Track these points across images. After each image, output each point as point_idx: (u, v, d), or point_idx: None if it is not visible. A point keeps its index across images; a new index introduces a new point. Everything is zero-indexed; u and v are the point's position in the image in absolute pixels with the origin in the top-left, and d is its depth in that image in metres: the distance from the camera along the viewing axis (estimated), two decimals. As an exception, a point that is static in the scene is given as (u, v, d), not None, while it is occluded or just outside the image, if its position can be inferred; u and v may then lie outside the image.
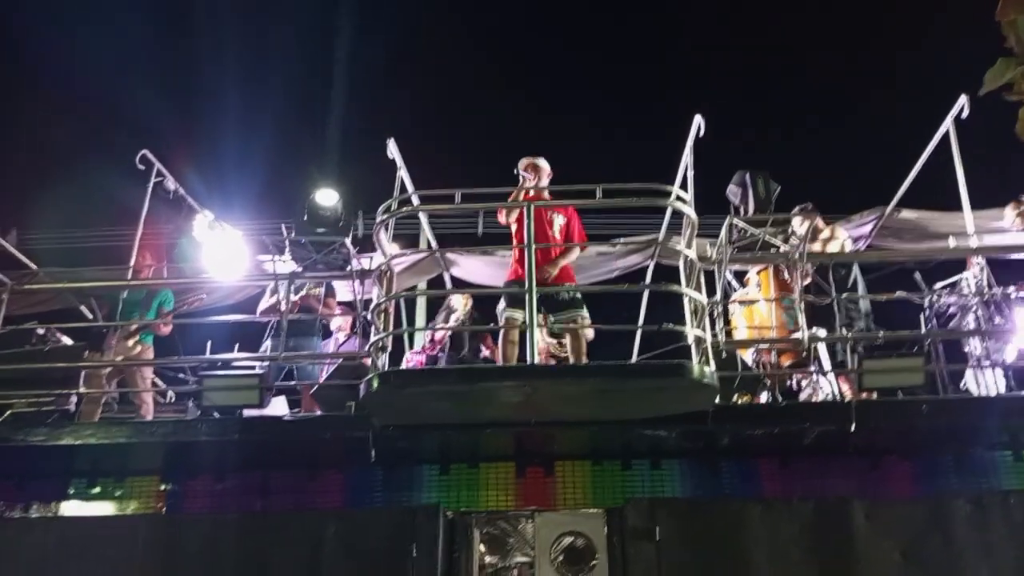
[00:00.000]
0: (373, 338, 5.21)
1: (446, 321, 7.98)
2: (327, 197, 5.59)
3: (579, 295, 5.94)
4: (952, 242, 6.70)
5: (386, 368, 5.42)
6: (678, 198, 5.07)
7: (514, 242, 5.98)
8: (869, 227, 7.65)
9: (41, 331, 7.06)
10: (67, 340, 7.12)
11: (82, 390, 6.48)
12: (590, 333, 6.52)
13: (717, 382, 4.86)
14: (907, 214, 7.55)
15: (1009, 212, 7.06)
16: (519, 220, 5.93)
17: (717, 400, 5.14)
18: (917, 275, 6.52)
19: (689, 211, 5.16)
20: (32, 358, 6.46)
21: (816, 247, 6.37)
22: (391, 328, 5.53)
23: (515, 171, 6.15)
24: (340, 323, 7.85)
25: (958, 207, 7.05)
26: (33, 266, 7.93)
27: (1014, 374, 6.39)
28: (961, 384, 6.60)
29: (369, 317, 5.43)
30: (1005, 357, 6.28)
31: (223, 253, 7.29)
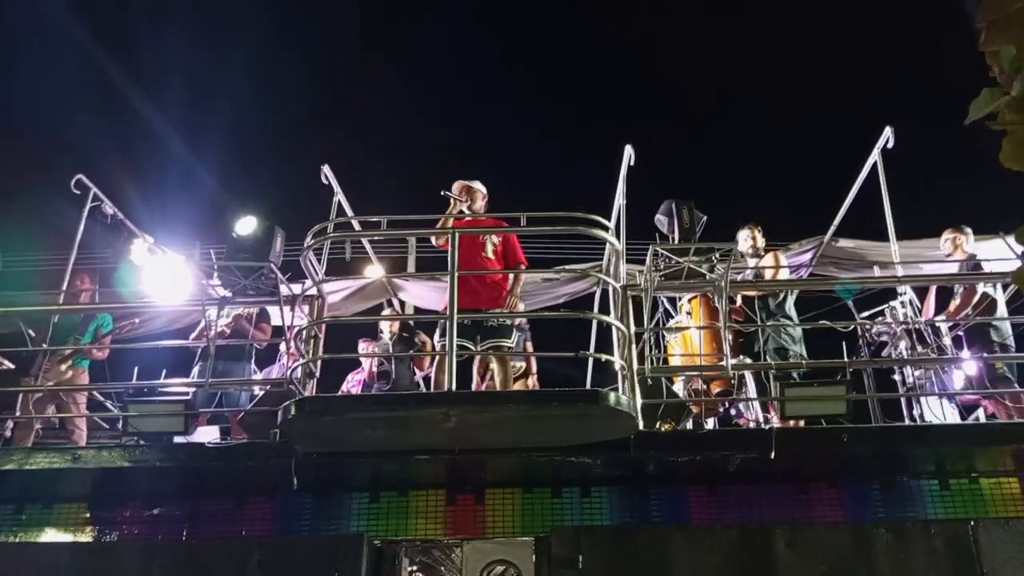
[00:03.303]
0: (293, 364, 5.19)
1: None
2: (246, 224, 5.59)
3: (508, 322, 5.95)
4: (877, 271, 6.78)
5: (312, 394, 5.41)
6: (598, 225, 5.11)
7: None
8: (808, 255, 7.74)
9: (-18, 356, 7.02)
10: (10, 365, 7.08)
11: (16, 415, 6.44)
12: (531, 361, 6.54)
13: (635, 409, 4.88)
14: (844, 243, 7.65)
15: (946, 238, 7.06)
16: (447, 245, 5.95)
17: (641, 427, 5.16)
18: (850, 303, 6.59)
19: (611, 239, 5.20)
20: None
21: (748, 270, 6.43)
22: (319, 353, 5.51)
23: (442, 193, 6.12)
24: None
25: (897, 235, 7.13)
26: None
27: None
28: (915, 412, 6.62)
29: (292, 343, 5.41)
30: (944, 386, 6.32)
31: (163, 278, 7.26)
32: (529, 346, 7.19)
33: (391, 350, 7.22)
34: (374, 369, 7.19)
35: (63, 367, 6.85)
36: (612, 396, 4.69)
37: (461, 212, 6.02)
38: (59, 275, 7.01)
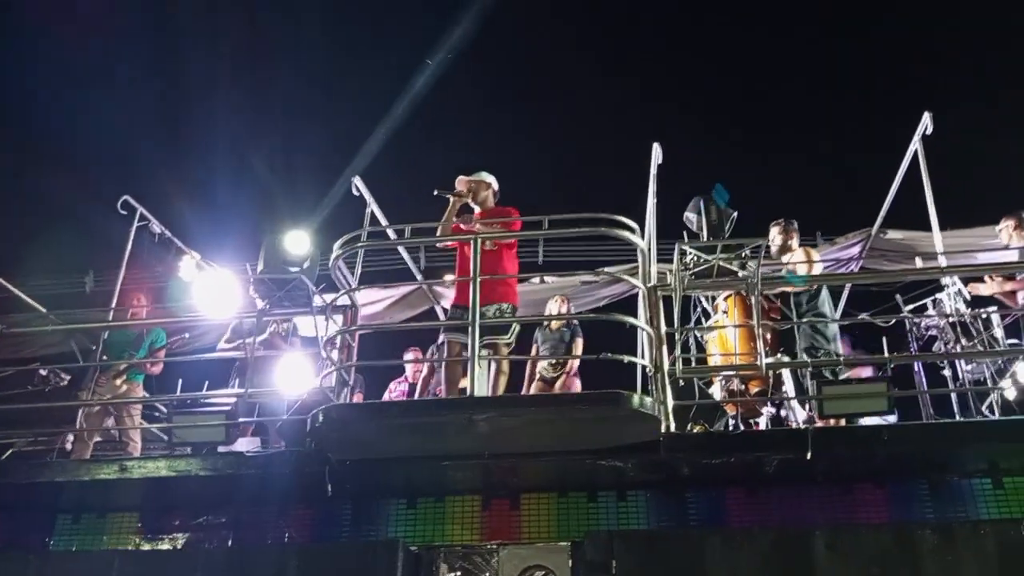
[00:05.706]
0: (324, 372, 5.27)
1: None
2: (298, 241, 5.56)
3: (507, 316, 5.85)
4: (919, 262, 6.53)
5: (345, 402, 5.49)
6: (622, 226, 5.04)
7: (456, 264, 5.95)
8: (856, 249, 7.51)
9: (44, 372, 7.34)
10: (66, 377, 7.39)
11: (75, 428, 6.71)
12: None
13: (661, 411, 4.80)
14: (894, 235, 7.40)
15: (1002, 226, 6.70)
16: (454, 243, 5.93)
17: (672, 428, 5.08)
18: (898, 297, 6.36)
19: (637, 240, 5.13)
20: (24, 399, 6.72)
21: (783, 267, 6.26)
22: (353, 361, 5.59)
23: (435, 193, 5.92)
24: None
25: (948, 225, 6.87)
26: (42, 309, 8.24)
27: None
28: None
29: (324, 352, 5.50)
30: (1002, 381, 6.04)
31: (211, 292, 7.46)
32: (579, 342, 7.10)
33: None
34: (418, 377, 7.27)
35: (118, 382, 7.09)
36: (635, 398, 4.64)
37: (467, 206, 5.91)
38: (111, 293, 7.26)
